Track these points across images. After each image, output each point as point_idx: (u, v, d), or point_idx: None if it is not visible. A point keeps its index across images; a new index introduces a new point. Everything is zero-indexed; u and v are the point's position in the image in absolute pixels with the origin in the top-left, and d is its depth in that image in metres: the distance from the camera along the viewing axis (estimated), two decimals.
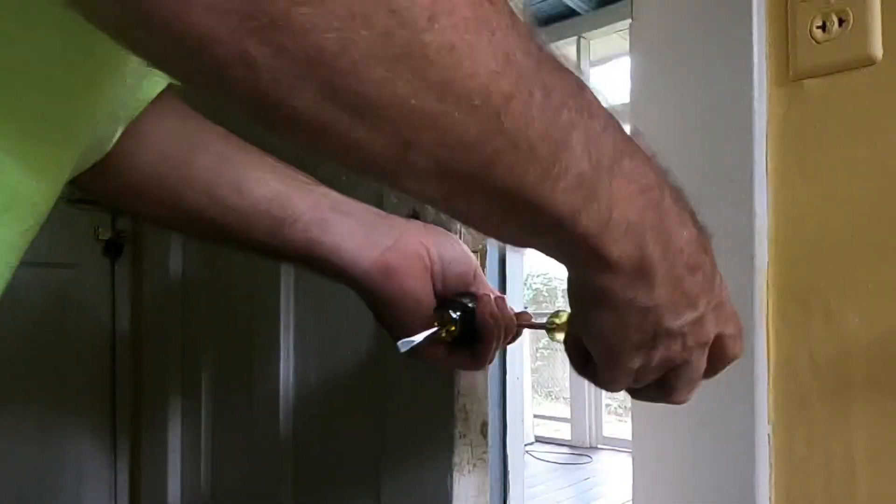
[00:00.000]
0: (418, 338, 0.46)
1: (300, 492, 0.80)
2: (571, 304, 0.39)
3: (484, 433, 0.55)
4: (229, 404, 1.08)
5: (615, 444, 4.36)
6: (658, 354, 0.38)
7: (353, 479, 0.68)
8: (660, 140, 0.62)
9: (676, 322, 0.36)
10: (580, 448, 4.42)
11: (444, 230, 0.55)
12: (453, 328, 0.48)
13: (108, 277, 1.56)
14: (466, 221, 0.32)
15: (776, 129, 0.57)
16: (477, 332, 0.49)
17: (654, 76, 0.63)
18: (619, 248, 0.32)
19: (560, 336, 0.47)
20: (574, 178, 0.29)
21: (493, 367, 0.68)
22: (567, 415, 4.69)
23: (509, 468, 0.57)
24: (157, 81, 0.45)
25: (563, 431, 4.67)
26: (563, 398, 5.17)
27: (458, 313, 0.49)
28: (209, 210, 0.49)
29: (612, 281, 0.34)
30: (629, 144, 0.33)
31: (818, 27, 0.55)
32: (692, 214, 0.38)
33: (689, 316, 0.37)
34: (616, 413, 4.97)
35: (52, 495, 1.45)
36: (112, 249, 1.56)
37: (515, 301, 0.64)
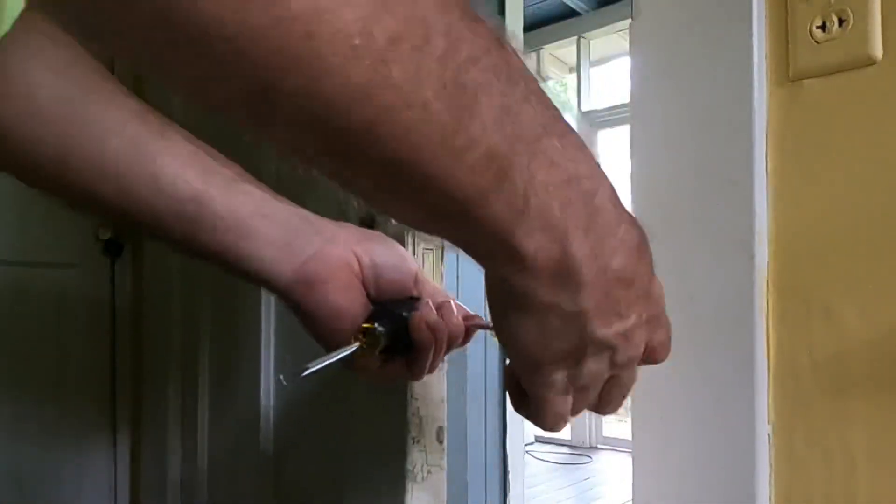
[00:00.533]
0: (324, 360, 0.42)
1: (282, 497, 0.80)
2: (490, 310, 0.34)
3: (440, 439, 0.54)
4: (227, 404, 1.08)
5: (615, 444, 4.36)
6: (586, 368, 0.34)
7: (321, 484, 0.68)
8: (660, 140, 0.62)
9: (605, 331, 0.32)
10: (580, 448, 4.42)
11: (380, 234, 0.51)
12: (376, 344, 0.45)
13: (108, 277, 1.56)
14: (357, 193, 0.27)
15: (776, 129, 0.57)
16: (414, 342, 0.46)
17: (654, 76, 0.63)
18: (534, 243, 0.27)
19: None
20: (483, 152, 0.24)
21: (492, 369, 0.68)
22: None
23: (509, 468, 0.57)
24: None
25: (563, 431, 4.66)
26: None
27: (384, 327, 0.45)
28: (121, 203, 0.44)
29: (529, 281, 0.29)
30: (558, 123, 0.27)
31: (818, 27, 0.55)
32: (629, 216, 0.32)
33: (619, 326, 0.32)
34: (616, 413, 4.97)
35: (52, 493, 1.45)
36: (112, 249, 1.56)
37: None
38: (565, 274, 0.29)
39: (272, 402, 0.82)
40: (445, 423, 0.54)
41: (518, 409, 0.39)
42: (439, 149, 0.23)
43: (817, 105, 0.55)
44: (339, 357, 0.43)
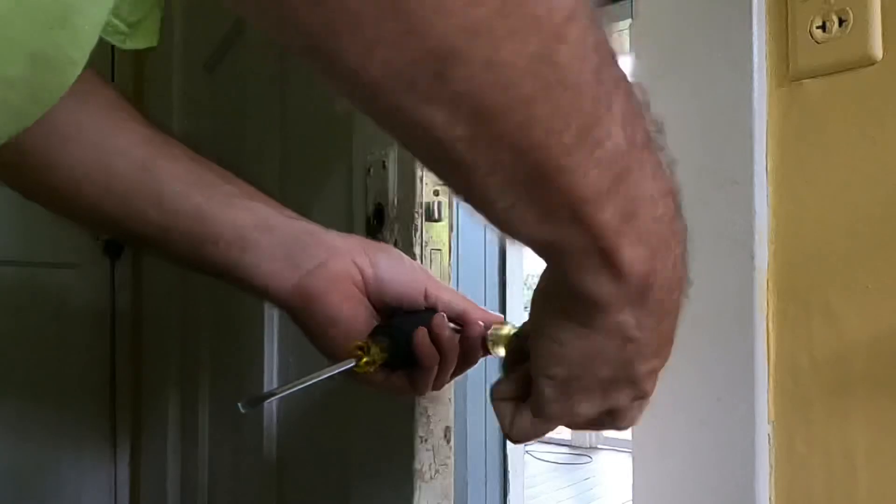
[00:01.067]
0: (308, 380, 0.41)
1: (284, 496, 0.80)
2: (534, 315, 0.32)
3: (448, 438, 0.54)
4: (227, 404, 1.08)
5: (615, 444, 4.36)
6: (612, 401, 0.33)
7: (327, 484, 0.68)
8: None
9: (643, 368, 0.31)
10: (580, 448, 4.42)
11: (387, 246, 0.51)
12: (374, 360, 0.43)
13: (108, 277, 1.56)
14: (472, 193, 0.25)
15: (776, 129, 0.57)
16: (416, 358, 0.45)
17: (654, 76, 0.62)
18: (634, 254, 0.26)
19: (500, 351, 0.43)
20: (610, 151, 0.24)
21: (492, 369, 0.68)
22: None
23: (509, 468, 0.57)
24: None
25: (563, 431, 4.67)
26: None
27: (383, 343, 0.44)
28: (126, 221, 0.46)
29: (611, 293, 0.28)
30: (655, 137, 0.27)
31: (818, 27, 0.55)
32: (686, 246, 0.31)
33: (653, 364, 0.32)
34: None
35: (52, 495, 1.45)
36: (112, 249, 1.56)
37: (514, 304, 0.63)
38: (644, 292, 0.28)
39: (275, 402, 0.82)
40: (453, 423, 0.54)
41: (497, 398, 0.38)
42: (578, 139, 0.23)
43: (817, 105, 0.55)
44: (325, 376, 0.42)
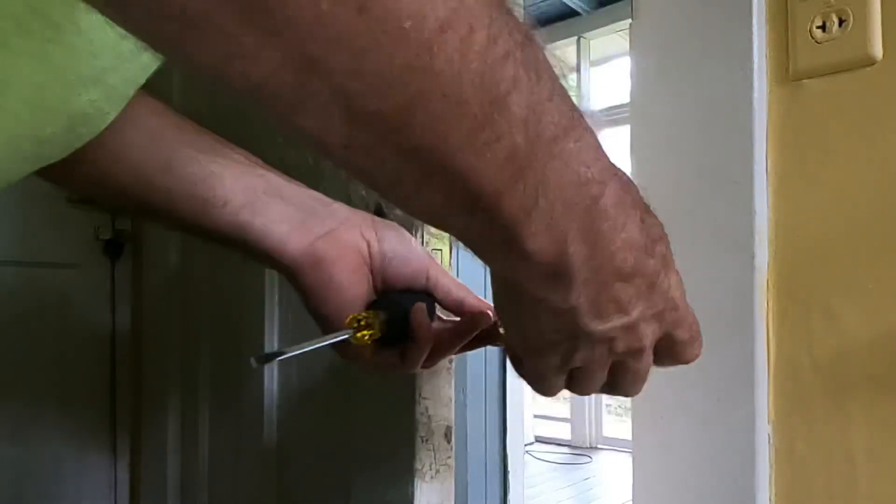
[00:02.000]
0: (309, 346, 0.42)
1: (284, 496, 0.80)
2: (493, 296, 0.36)
3: (448, 438, 0.54)
4: (227, 404, 1.08)
5: (615, 444, 4.36)
6: (579, 355, 0.35)
7: (328, 484, 0.68)
8: (660, 140, 0.62)
9: (600, 326, 0.33)
10: (580, 448, 4.42)
11: (395, 225, 0.51)
12: (369, 332, 0.44)
13: (108, 277, 1.56)
14: (373, 184, 0.27)
15: (776, 129, 0.57)
16: (412, 334, 0.46)
17: (654, 76, 0.62)
18: (536, 243, 0.27)
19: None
20: (505, 149, 0.24)
21: (492, 368, 0.68)
22: (567, 415, 4.69)
23: (509, 468, 0.57)
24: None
25: (563, 431, 4.67)
26: (563, 398, 5.17)
27: (380, 317, 0.44)
28: (134, 188, 0.46)
29: (523, 276, 0.30)
30: (577, 122, 0.27)
31: (818, 27, 0.55)
32: (644, 210, 0.33)
33: (619, 321, 0.33)
34: (616, 413, 4.97)
35: (52, 495, 1.45)
36: (112, 249, 1.56)
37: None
38: (559, 274, 0.29)
39: (275, 401, 0.82)
40: (453, 423, 0.54)
41: (517, 371, 0.40)
42: (465, 141, 0.23)
43: (817, 105, 0.55)
44: (325, 343, 0.42)
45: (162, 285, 1.36)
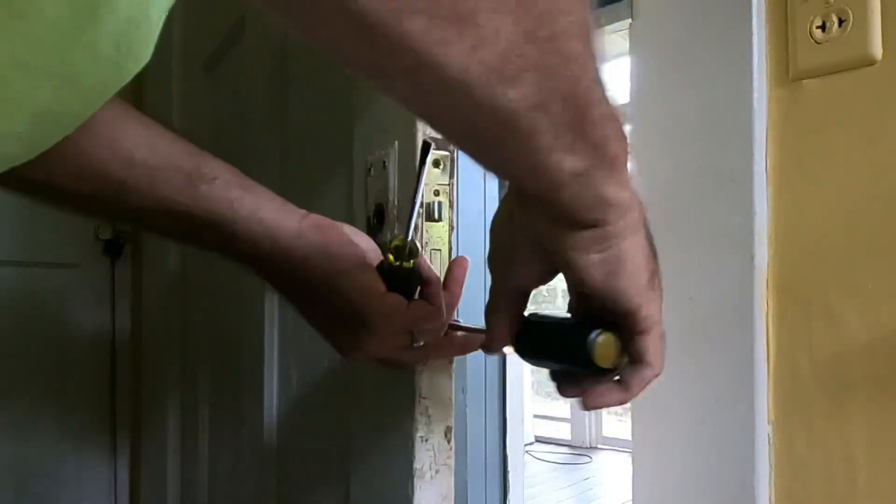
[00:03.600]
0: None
1: (283, 496, 0.80)
2: (557, 243, 0.35)
3: (448, 438, 0.54)
4: (226, 404, 1.08)
5: (615, 444, 4.36)
6: (659, 299, 0.38)
7: (327, 483, 0.68)
8: (660, 140, 0.62)
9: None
10: (580, 448, 4.42)
11: (355, 229, 0.52)
12: (410, 254, 0.45)
13: (108, 277, 1.56)
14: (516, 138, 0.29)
15: (776, 129, 0.57)
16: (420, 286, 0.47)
17: (654, 76, 0.62)
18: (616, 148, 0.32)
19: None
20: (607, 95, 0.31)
21: (492, 368, 0.68)
22: (567, 415, 4.69)
23: (509, 468, 0.57)
24: None
25: (563, 431, 4.67)
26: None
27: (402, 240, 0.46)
28: (111, 164, 0.43)
29: (617, 192, 0.33)
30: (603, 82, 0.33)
31: (818, 27, 0.55)
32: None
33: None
34: (616, 413, 4.97)
35: (52, 495, 1.45)
36: (112, 249, 1.56)
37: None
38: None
39: (276, 401, 0.82)
40: (453, 423, 0.54)
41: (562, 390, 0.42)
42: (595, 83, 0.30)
43: (817, 105, 0.55)
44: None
45: (162, 285, 1.36)
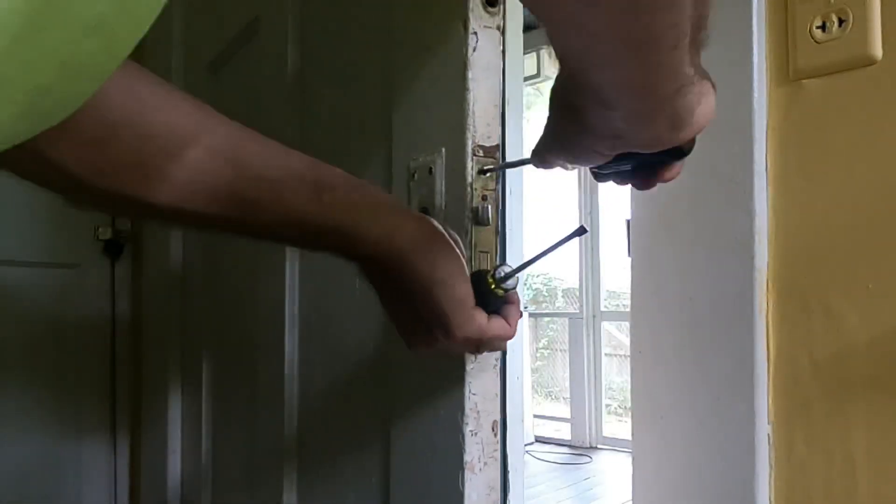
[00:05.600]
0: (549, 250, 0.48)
1: (304, 491, 0.80)
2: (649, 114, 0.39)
3: (495, 431, 0.56)
4: (229, 403, 1.08)
5: (615, 444, 4.36)
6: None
7: (359, 479, 0.68)
8: None
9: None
10: (580, 448, 4.42)
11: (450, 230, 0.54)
12: (498, 281, 0.48)
13: (108, 277, 1.56)
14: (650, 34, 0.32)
15: (776, 129, 0.57)
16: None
17: None
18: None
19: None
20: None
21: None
22: (567, 415, 4.69)
23: (509, 468, 0.57)
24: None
25: (563, 431, 4.67)
26: (563, 398, 5.17)
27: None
28: (235, 183, 0.44)
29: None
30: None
31: (818, 27, 0.55)
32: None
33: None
34: (616, 413, 4.98)
35: (52, 493, 1.45)
36: (112, 249, 1.56)
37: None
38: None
39: (297, 394, 0.82)
40: (499, 417, 0.56)
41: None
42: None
43: (817, 105, 0.55)
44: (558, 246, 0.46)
45: (162, 284, 1.36)
